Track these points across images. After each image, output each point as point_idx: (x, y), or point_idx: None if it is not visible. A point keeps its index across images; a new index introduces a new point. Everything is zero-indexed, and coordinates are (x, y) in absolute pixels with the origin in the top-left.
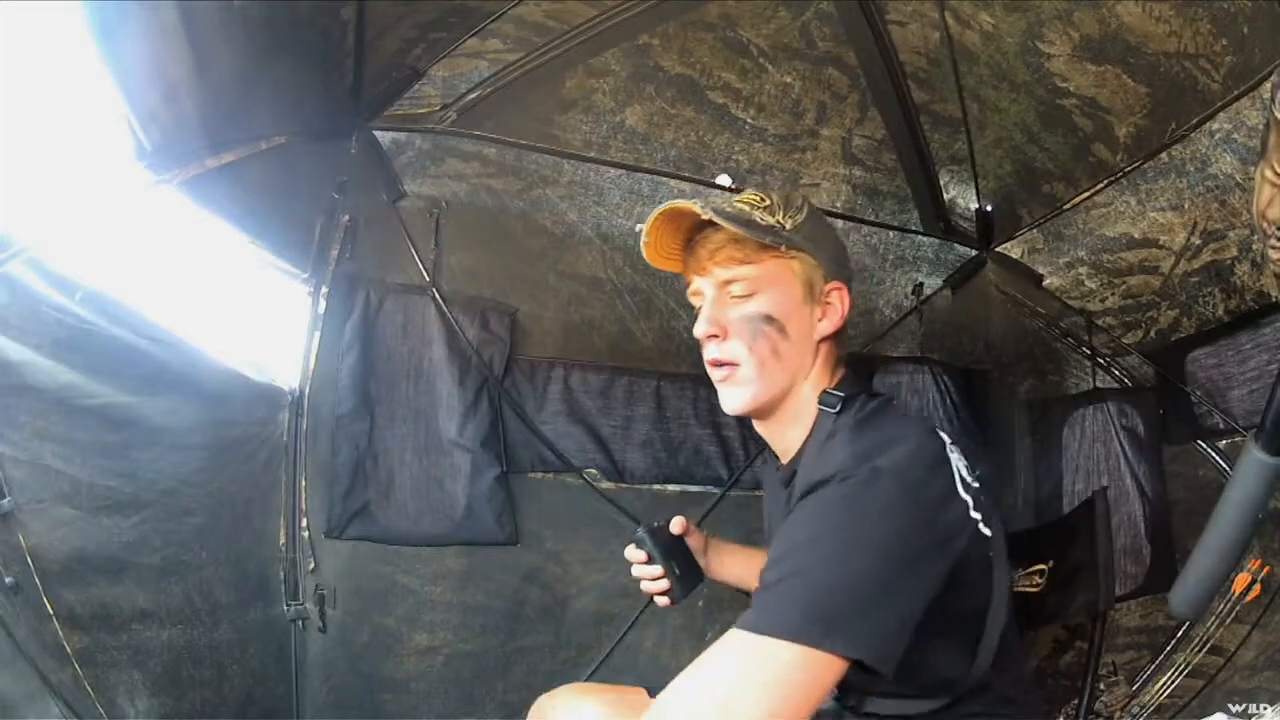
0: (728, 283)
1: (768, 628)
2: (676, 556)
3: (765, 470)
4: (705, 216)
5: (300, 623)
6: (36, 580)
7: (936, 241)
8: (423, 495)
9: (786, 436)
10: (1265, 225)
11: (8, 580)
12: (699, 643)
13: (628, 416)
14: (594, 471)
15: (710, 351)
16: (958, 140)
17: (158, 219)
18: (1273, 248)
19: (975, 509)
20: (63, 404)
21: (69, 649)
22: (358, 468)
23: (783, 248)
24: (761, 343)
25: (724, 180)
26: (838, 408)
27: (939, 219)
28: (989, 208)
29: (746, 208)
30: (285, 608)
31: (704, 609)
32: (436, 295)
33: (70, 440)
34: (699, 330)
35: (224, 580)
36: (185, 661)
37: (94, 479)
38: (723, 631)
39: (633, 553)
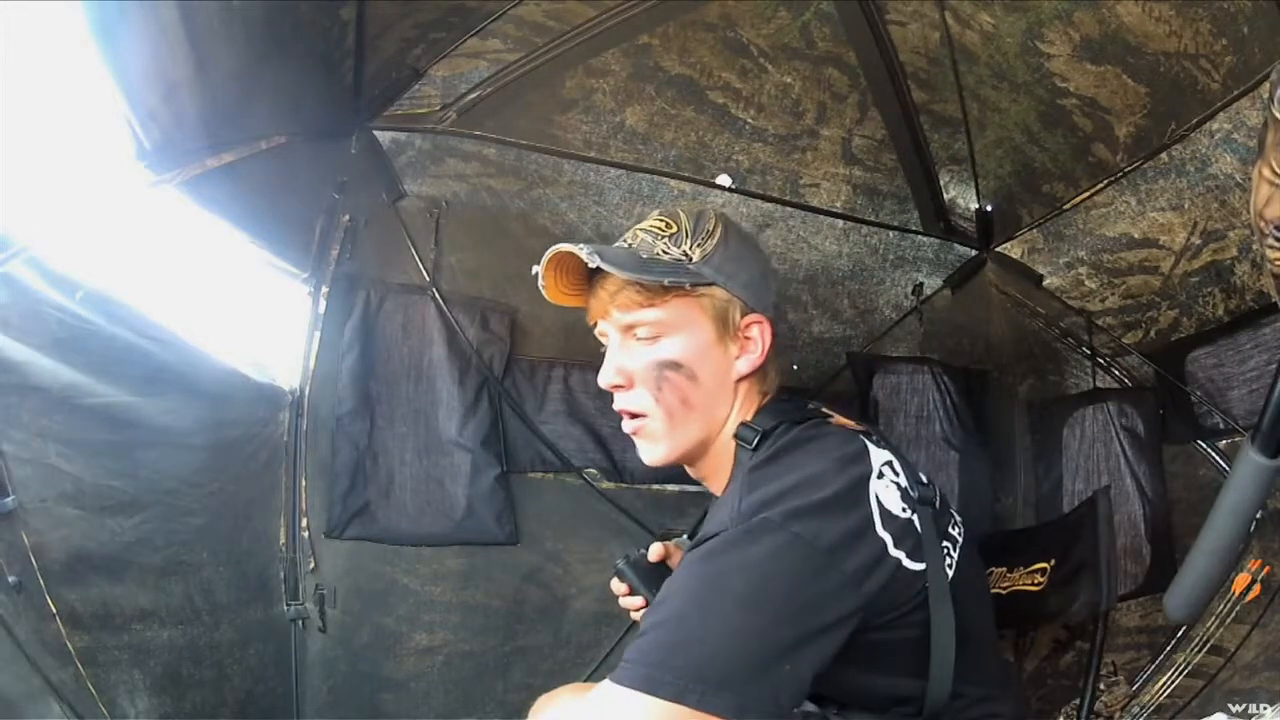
0: (630, 327)
1: (629, 680)
2: (659, 583)
3: None
4: (593, 265)
5: (300, 622)
6: (40, 580)
7: (936, 241)
8: (423, 495)
9: (714, 479)
10: (1262, 224)
11: (10, 579)
12: None
13: None
14: (594, 471)
15: (617, 402)
16: (958, 140)
17: (158, 219)
18: (1270, 247)
19: (897, 546)
20: (65, 404)
21: (70, 648)
22: (358, 468)
23: (688, 285)
24: (669, 392)
25: (724, 180)
26: (754, 443)
27: (939, 219)
28: (989, 208)
29: (649, 238)
30: (285, 607)
31: None
32: (436, 295)
33: (73, 440)
34: (602, 380)
35: (224, 580)
36: (185, 661)
37: (97, 479)
38: None
39: (616, 585)
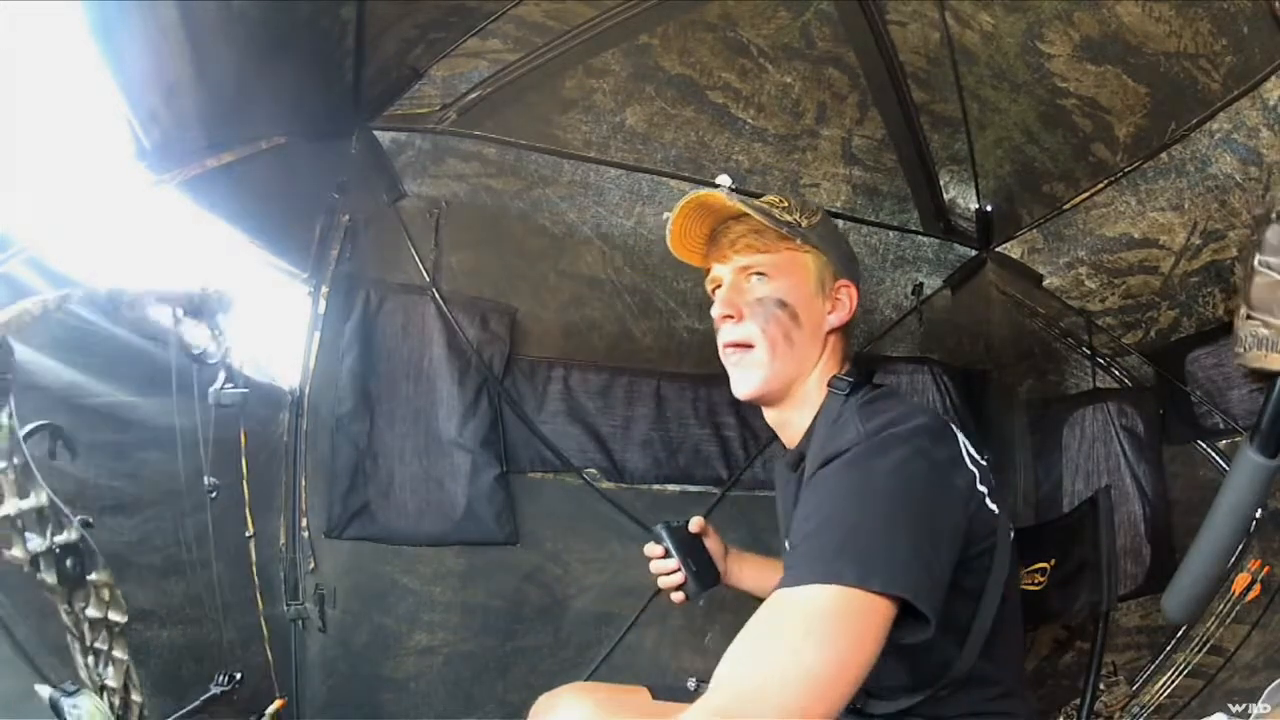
0: (746, 269)
1: (808, 578)
2: (693, 554)
3: (776, 465)
4: (731, 203)
5: (300, 622)
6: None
7: (936, 241)
8: (422, 495)
9: (794, 422)
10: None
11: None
12: (699, 642)
13: (628, 416)
14: (594, 471)
15: (725, 333)
16: (958, 140)
17: (158, 219)
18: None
19: (982, 482)
20: (67, 403)
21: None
22: (358, 468)
23: (798, 241)
24: (774, 326)
25: (724, 180)
26: (847, 391)
27: (939, 219)
28: (989, 208)
29: (767, 206)
30: (285, 607)
31: (704, 609)
32: (436, 295)
33: (76, 440)
34: (716, 311)
35: (224, 580)
36: (186, 661)
37: (97, 479)
38: (723, 632)
39: (651, 548)
